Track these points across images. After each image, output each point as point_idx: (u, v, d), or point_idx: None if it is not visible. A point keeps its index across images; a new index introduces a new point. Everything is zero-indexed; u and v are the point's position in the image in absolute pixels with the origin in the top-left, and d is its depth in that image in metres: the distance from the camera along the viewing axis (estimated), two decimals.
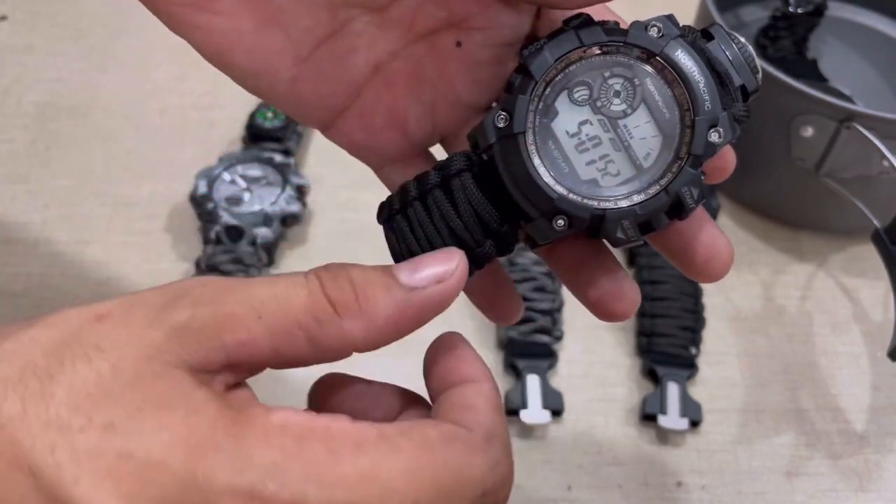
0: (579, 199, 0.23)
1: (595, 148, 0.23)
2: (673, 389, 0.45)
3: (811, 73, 0.58)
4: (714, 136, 0.23)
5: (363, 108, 0.26)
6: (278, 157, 0.54)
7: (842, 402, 0.47)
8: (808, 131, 0.47)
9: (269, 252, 0.51)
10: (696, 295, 0.49)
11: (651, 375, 0.47)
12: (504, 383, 0.47)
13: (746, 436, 0.45)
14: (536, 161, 0.23)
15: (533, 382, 0.45)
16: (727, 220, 0.55)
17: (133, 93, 0.62)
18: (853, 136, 0.46)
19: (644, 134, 0.23)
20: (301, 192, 0.53)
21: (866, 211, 0.47)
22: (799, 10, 0.58)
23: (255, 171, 0.53)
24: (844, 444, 0.45)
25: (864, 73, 0.60)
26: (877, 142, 0.45)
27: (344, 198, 0.56)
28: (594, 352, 0.48)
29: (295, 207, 0.52)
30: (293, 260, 0.52)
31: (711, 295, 0.51)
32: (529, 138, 0.23)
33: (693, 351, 0.47)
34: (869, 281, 0.52)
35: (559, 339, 0.48)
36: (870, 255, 0.52)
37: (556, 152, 0.23)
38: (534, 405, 0.44)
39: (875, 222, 0.45)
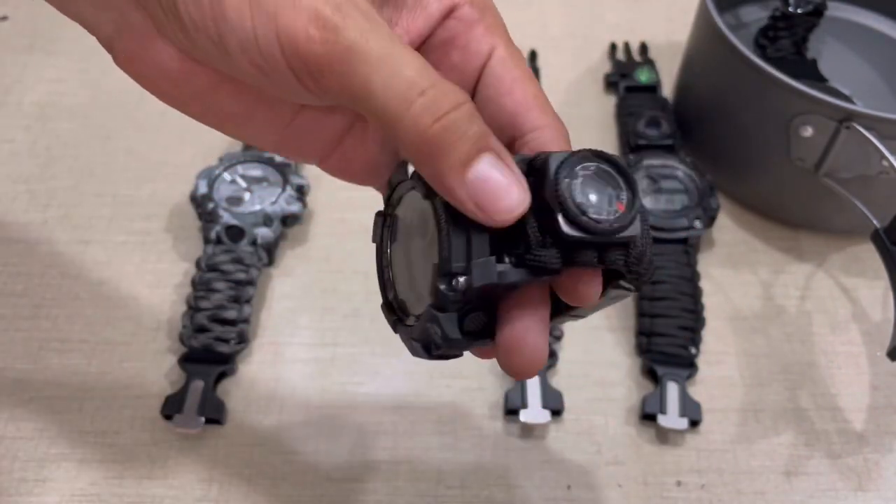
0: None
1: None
2: (672, 389, 0.45)
3: (811, 73, 0.58)
4: (446, 285, 0.23)
5: (342, 157, 0.29)
6: (278, 157, 0.54)
7: (841, 401, 0.47)
8: (808, 131, 0.47)
9: (270, 252, 0.51)
10: (696, 295, 0.49)
11: (651, 375, 0.47)
12: (504, 383, 0.47)
13: (746, 435, 0.45)
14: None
15: (533, 382, 0.45)
16: (727, 219, 0.55)
17: (133, 93, 0.62)
18: (853, 136, 0.46)
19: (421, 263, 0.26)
20: (301, 192, 0.53)
21: (866, 211, 0.47)
22: (798, 11, 0.58)
23: (255, 171, 0.53)
24: (843, 444, 0.45)
25: (864, 73, 0.60)
26: (876, 142, 0.45)
27: (344, 198, 0.56)
28: (594, 352, 0.49)
29: (295, 207, 0.52)
30: (293, 260, 0.52)
31: (711, 295, 0.51)
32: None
33: (692, 351, 0.47)
34: (868, 281, 0.52)
35: (559, 339, 0.48)
36: (869, 255, 0.53)
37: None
38: (534, 405, 0.44)
39: (874, 222, 0.45)
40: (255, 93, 0.26)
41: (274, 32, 0.22)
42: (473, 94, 0.26)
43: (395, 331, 0.27)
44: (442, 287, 0.23)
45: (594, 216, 0.22)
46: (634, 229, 0.23)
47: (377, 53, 0.21)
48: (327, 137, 0.28)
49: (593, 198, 0.22)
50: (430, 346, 0.25)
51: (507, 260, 0.23)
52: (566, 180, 0.22)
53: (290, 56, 0.22)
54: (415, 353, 0.26)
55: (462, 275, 0.23)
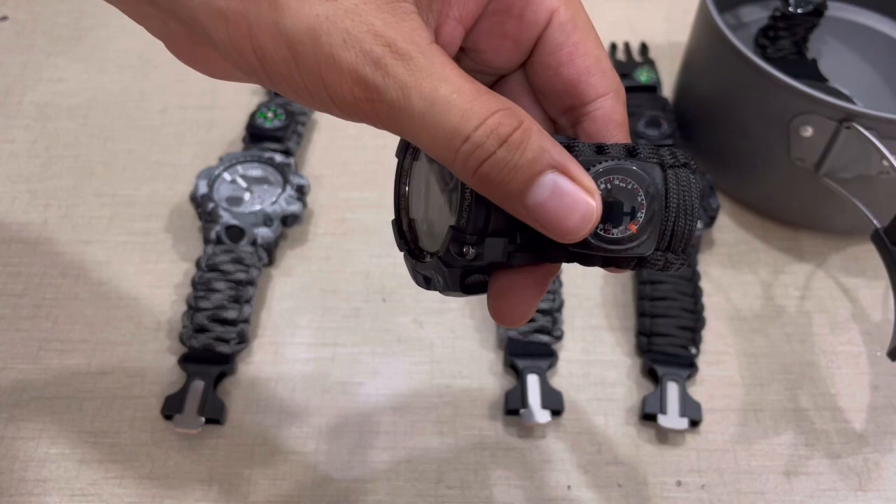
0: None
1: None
2: (672, 389, 0.45)
3: (811, 73, 0.58)
4: (457, 250, 0.24)
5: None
6: (278, 157, 0.54)
7: (841, 401, 0.47)
8: (808, 131, 0.47)
9: (270, 252, 0.51)
10: (696, 295, 0.49)
11: (651, 375, 0.47)
12: (504, 383, 0.47)
13: (746, 435, 0.45)
14: None
15: (533, 382, 0.45)
16: (727, 219, 0.55)
17: (133, 93, 0.62)
18: (853, 136, 0.46)
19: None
20: (301, 192, 0.53)
21: (866, 211, 0.47)
22: (799, 11, 0.58)
23: (255, 171, 0.53)
24: (843, 444, 0.45)
25: (864, 73, 0.60)
26: (876, 142, 0.45)
27: (344, 198, 0.56)
28: (594, 352, 0.48)
29: (295, 207, 0.52)
30: (293, 260, 0.52)
31: (711, 295, 0.51)
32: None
33: (693, 350, 0.47)
34: (868, 281, 0.52)
35: (559, 338, 0.48)
36: (869, 254, 0.53)
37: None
38: (534, 405, 0.44)
39: (874, 222, 0.45)
40: None
41: (322, 88, 0.22)
42: (529, 58, 0.26)
43: (401, 251, 0.27)
44: (453, 251, 0.24)
45: (603, 233, 0.23)
46: (644, 249, 0.23)
47: (419, 109, 0.21)
48: None
49: (609, 214, 0.23)
50: (430, 285, 0.26)
51: (518, 239, 0.24)
52: None
53: (342, 109, 0.23)
54: (416, 281, 0.27)
55: (473, 245, 0.23)
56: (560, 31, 0.25)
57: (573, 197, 0.22)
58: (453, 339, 0.49)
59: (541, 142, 0.22)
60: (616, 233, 0.23)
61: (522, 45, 0.26)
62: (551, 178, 0.22)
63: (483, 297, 0.27)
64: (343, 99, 0.22)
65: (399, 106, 0.21)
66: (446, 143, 0.22)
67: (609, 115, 0.25)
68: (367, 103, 0.22)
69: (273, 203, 0.51)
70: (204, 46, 0.24)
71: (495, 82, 0.27)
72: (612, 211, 0.23)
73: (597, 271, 0.52)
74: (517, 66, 0.26)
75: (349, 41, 0.21)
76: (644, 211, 0.23)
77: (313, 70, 0.22)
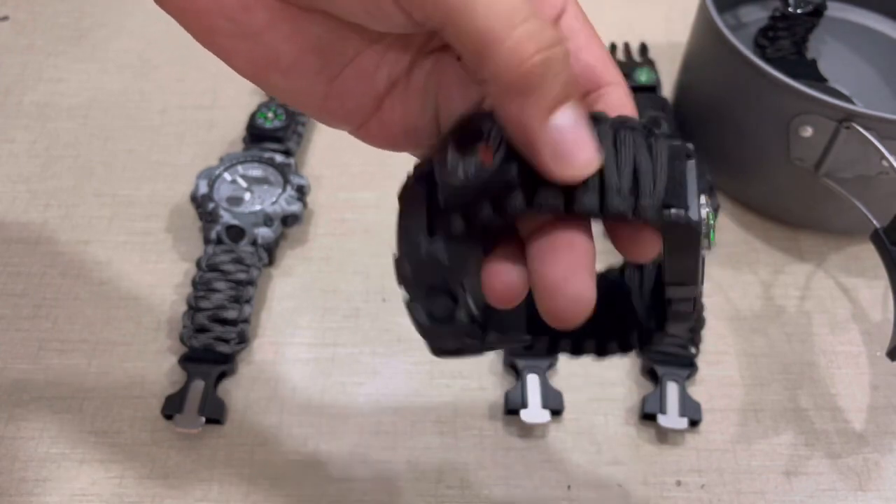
0: None
1: None
2: (672, 389, 0.45)
3: (810, 73, 0.58)
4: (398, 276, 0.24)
5: (382, 120, 0.28)
6: (279, 158, 0.54)
7: (841, 401, 0.47)
8: (808, 131, 0.47)
9: (270, 252, 0.51)
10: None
11: (650, 375, 0.47)
12: (504, 383, 0.47)
13: (746, 435, 0.45)
14: None
15: (533, 382, 0.45)
16: (727, 219, 0.55)
17: (133, 93, 0.62)
18: (852, 137, 0.46)
19: None
20: (301, 192, 0.53)
21: (865, 211, 0.47)
22: (798, 11, 0.58)
23: (255, 171, 0.53)
24: (843, 444, 0.45)
25: (864, 73, 0.60)
26: (876, 142, 0.45)
27: (344, 198, 0.56)
28: None
29: (295, 207, 0.52)
30: (293, 260, 0.52)
31: (711, 294, 0.51)
32: None
33: (692, 350, 0.47)
34: (868, 281, 0.52)
35: None
36: (869, 254, 0.53)
37: None
38: (534, 405, 0.44)
39: (874, 222, 0.45)
40: (312, 37, 0.24)
41: None
42: None
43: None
44: (397, 278, 0.24)
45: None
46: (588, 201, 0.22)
47: None
48: (371, 93, 0.27)
49: None
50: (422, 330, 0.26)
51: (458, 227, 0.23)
52: None
53: None
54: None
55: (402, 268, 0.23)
56: (575, 19, 0.25)
57: (587, 134, 0.21)
58: None
59: (570, 67, 0.21)
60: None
61: None
62: (579, 107, 0.21)
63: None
64: None
65: None
66: (505, 15, 0.20)
67: (619, 101, 0.25)
68: None
69: (273, 203, 0.51)
70: None
71: None
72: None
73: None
74: None
75: None
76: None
77: None
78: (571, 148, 0.21)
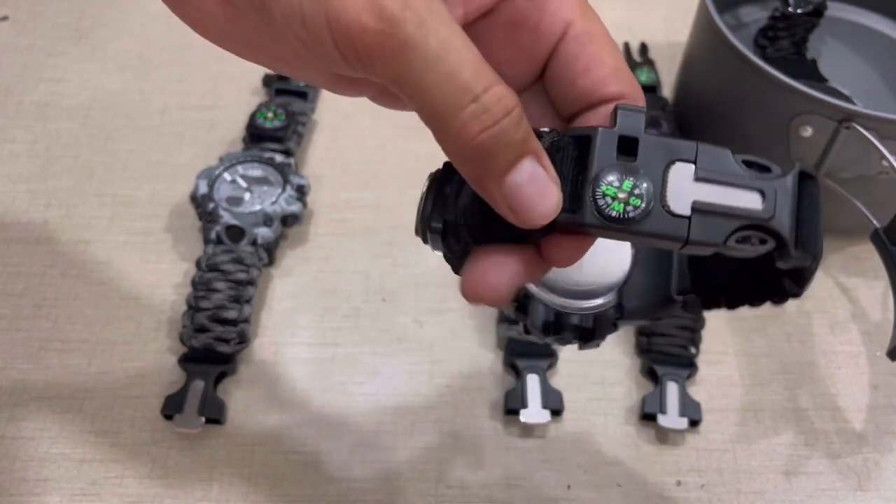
0: None
1: None
2: (672, 389, 0.45)
3: (810, 73, 0.58)
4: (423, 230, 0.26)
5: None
6: (279, 157, 0.54)
7: (840, 401, 0.47)
8: (808, 131, 0.47)
9: (270, 252, 0.51)
10: None
11: (650, 375, 0.47)
12: (504, 383, 0.47)
13: (745, 435, 0.45)
14: None
15: (533, 382, 0.45)
16: None
17: (133, 93, 0.62)
18: (852, 137, 0.46)
19: None
20: (301, 192, 0.53)
21: (865, 211, 0.47)
22: (798, 11, 0.58)
23: (255, 171, 0.53)
24: (843, 444, 0.45)
25: (864, 73, 0.60)
26: (876, 142, 0.45)
27: (344, 198, 0.56)
28: (594, 352, 0.49)
29: (295, 207, 0.52)
30: (293, 260, 0.52)
31: None
32: None
33: (692, 350, 0.47)
34: (868, 281, 0.52)
35: None
36: (868, 254, 0.53)
37: None
38: (534, 405, 0.44)
39: (874, 222, 0.45)
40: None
41: (323, 14, 0.20)
42: (543, 70, 0.25)
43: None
44: (421, 229, 0.25)
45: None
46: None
47: (435, 51, 0.20)
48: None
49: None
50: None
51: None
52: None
53: (338, 40, 0.21)
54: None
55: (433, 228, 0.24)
56: (575, 42, 0.24)
57: (546, 184, 0.22)
58: (453, 339, 0.49)
59: (528, 125, 0.22)
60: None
61: (537, 57, 0.25)
62: (531, 162, 0.22)
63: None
64: (347, 27, 0.20)
65: (414, 44, 0.20)
66: (454, 96, 0.20)
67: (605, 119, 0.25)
68: (374, 35, 0.20)
69: (273, 203, 0.51)
70: None
71: None
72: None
73: None
74: (532, 82, 0.26)
75: None
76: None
77: None
78: (529, 202, 0.22)
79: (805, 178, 0.23)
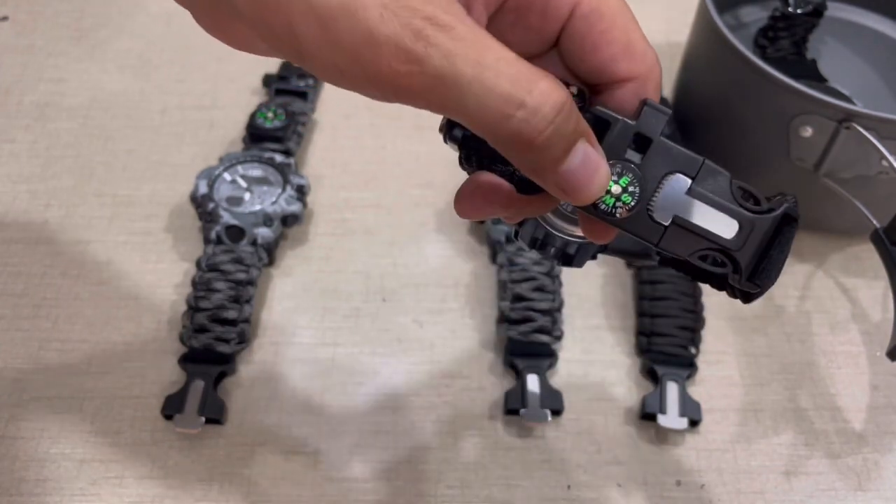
0: None
1: None
2: (672, 389, 0.45)
3: (810, 73, 0.58)
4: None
5: None
6: (279, 158, 0.54)
7: (840, 401, 0.47)
8: (808, 131, 0.47)
9: (270, 252, 0.51)
10: (696, 295, 0.49)
11: (650, 375, 0.47)
12: (504, 383, 0.47)
13: (745, 435, 0.45)
14: None
15: (533, 382, 0.45)
16: None
17: (133, 93, 0.62)
18: (852, 137, 0.46)
19: None
20: (301, 192, 0.53)
21: (865, 211, 0.47)
22: (798, 11, 0.58)
23: (255, 171, 0.53)
24: (843, 444, 0.45)
25: (864, 73, 0.60)
26: (876, 142, 0.45)
27: (344, 198, 0.56)
28: (594, 351, 0.49)
29: (295, 207, 0.52)
30: (293, 260, 0.52)
31: (711, 294, 0.51)
32: None
33: (692, 350, 0.47)
34: (868, 281, 0.52)
35: (559, 338, 0.48)
36: (868, 254, 0.53)
37: None
38: (534, 405, 0.44)
39: (874, 222, 0.45)
40: None
41: (357, 65, 0.21)
42: (556, 46, 0.26)
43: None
44: (445, 132, 0.26)
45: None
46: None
47: (468, 76, 0.21)
48: None
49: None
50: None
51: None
52: None
53: (377, 87, 0.22)
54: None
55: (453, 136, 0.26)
56: (583, 22, 0.25)
57: (597, 162, 0.23)
58: (453, 339, 0.49)
59: (577, 111, 0.22)
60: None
61: (546, 37, 0.25)
62: (583, 144, 0.23)
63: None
64: (380, 75, 0.21)
65: (445, 74, 0.21)
66: (498, 109, 0.21)
67: (626, 104, 0.25)
68: (406, 77, 0.21)
69: (273, 203, 0.51)
70: (230, 18, 0.23)
71: None
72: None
73: (597, 271, 0.52)
74: (545, 52, 0.26)
75: (387, 16, 0.20)
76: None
77: (347, 47, 0.21)
78: (582, 184, 0.23)
79: (786, 219, 0.25)
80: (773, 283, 0.25)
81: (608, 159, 0.23)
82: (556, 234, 0.30)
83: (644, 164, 0.24)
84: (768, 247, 0.24)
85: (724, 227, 0.24)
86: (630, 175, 0.24)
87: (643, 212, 0.24)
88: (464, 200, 0.26)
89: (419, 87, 0.21)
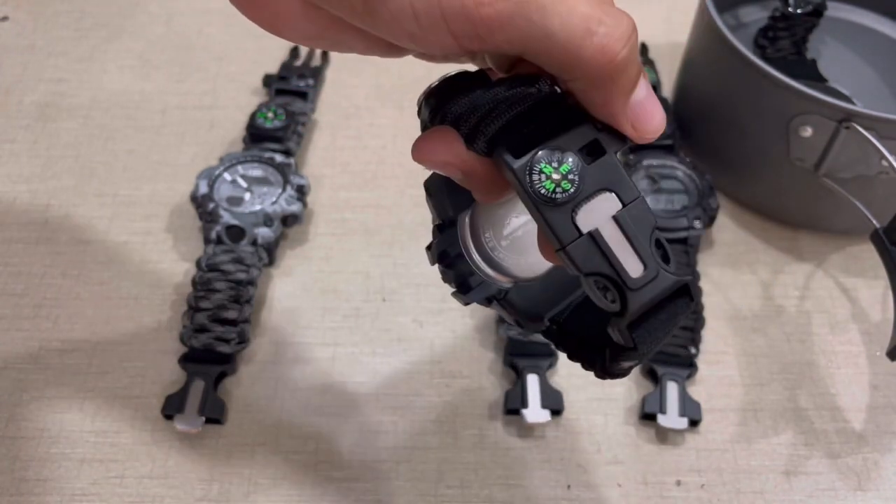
0: None
1: None
2: (672, 389, 0.46)
3: (810, 73, 0.58)
4: None
5: None
6: (279, 157, 0.54)
7: (840, 401, 0.47)
8: (808, 131, 0.47)
9: (270, 252, 0.51)
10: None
11: (650, 375, 0.47)
12: (504, 383, 0.47)
13: (745, 435, 0.45)
14: None
15: (533, 382, 0.45)
16: (727, 219, 0.55)
17: (133, 93, 0.62)
18: (852, 137, 0.46)
19: None
20: (301, 192, 0.53)
21: (865, 211, 0.47)
22: (798, 11, 0.58)
23: (255, 171, 0.53)
24: (843, 444, 0.45)
25: (864, 73, 0.60)
26: (876, 142, 0.45)
27: (344, 198, 0.56)
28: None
29: (295, 207, 0.52)
30: (293, 260, 0.52)
31: (710, 294, 0.51)
32: None
33: (692, 350, 0.47)
34: (867, 281, 0.52)
35: None
36: (868, 254, 0.53)
37: None
38: (534, 404, 0.44)
39: (874, 222, 0.45)
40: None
41: (437, 6, 0.21)
42: None
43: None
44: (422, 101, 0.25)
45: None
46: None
47: None
48: None
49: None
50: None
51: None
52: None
53: (455, 25, 0.22)
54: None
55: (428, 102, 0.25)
56: None
57: (655, 100, 0.24)
58: (453, 339, 0.49)
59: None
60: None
61: None
62: (644, 80, 0.23)
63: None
64: (462, 9, 0.21)
65: None
66: (581, 27, 0.21)
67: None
68: (491, 6, 0.21)
69: (273, 203, 0.51)
70: None
71: None
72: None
73: None
74: None
75: None
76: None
77: None
78: (648, 117, 0.24)
79: (683, 292, 0.24)
80: (648, 352, 0.24)
81: (564, 146, 0.23)
82: (467, 260, 0.29)
83: (588, 170, 0.23)
84: (658, 307, 0.24)
85: (631, 264, 0.23)
86: (571, 166, 0.23)
87: (568, 210, 0.23)
88: (422, 142, 0.25)
89: (503, 15, 0.21)
